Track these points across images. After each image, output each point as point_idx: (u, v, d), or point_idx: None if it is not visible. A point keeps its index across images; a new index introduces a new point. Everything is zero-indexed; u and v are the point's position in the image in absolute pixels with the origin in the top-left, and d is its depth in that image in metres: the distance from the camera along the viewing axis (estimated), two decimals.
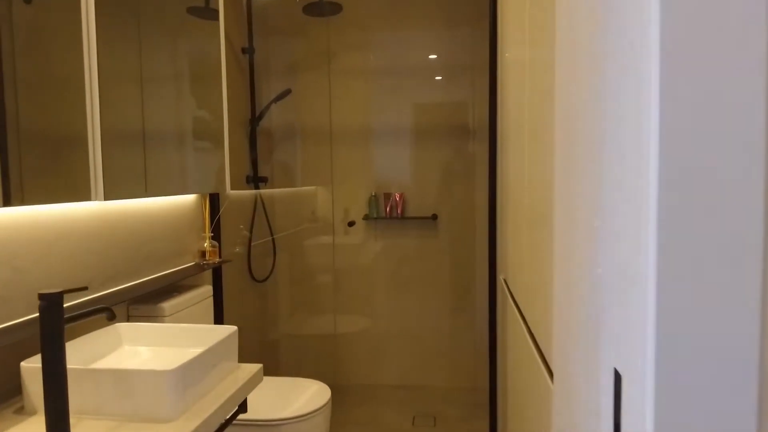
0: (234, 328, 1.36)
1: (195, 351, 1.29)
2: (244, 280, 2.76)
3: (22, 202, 1.21)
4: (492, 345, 2.29)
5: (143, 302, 1.75)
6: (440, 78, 2.99)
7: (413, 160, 3.06)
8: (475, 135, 2.99)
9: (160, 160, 1.76)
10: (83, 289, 1.00)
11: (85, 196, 1.37)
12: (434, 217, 3.07)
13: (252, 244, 2.82)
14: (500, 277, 2.12)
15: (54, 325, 0.96)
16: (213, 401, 1.16)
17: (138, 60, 1.64)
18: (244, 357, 2.76)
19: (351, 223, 3.10)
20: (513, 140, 1.70)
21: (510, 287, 1.83)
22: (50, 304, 0.96)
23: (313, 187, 3.13)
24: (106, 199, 1.41)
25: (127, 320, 1.74)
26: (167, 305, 1.74)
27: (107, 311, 1.12)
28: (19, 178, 1.19)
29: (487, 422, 2.33)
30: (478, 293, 3.05)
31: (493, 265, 2.24)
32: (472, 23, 2.93)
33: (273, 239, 3.05)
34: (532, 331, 1.25)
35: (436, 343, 3.12)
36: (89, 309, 1.08)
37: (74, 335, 1.43)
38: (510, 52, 1.70)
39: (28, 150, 1.21)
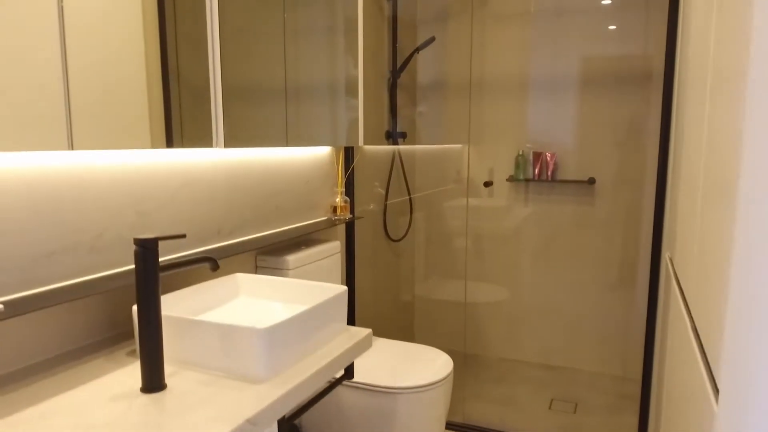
0: (343, 288, 1.27)
1: (299, 309, 1.23)
2: (379, 238, 2.70)
3: (182, 145, 1.26)
4: (649, 331, 1.95)
5: (270, 254, 1.75)
6: (610, 22, 2.57)
7: (569, 116, 2.71)
8: (645, 88, 2.54)
9: (291, 111, 1.72)
10: (181, 236, 0.96)
11: (207, 143, 1.36)
12: (591, 181, 2.70)
13: (387, 202, 2.74)
14: (665, 255, 1.77)
15: (148, 271, 0.93)
16: (312, 364, 1.08)
17: (281, 11, 1.59)
18: (376, 317, 2.75)
19: (488, 183, 2.86)
20: (692, 91, 1.35)
21: (675, 268, 1.50)
22: (145, 250, 0.93)
23: (459, 145, 2.94)
24: (225, 147, 1.38)
25: (255, 270, 1.75)
26: (292, 258, 1.72)
27: (210, 261, 1.09)
28: (179, 124, 1.23)
29: (636, 417, 2.02)
30: (639, 271, 2.65)
31: (657, 241, 1.88)
32: None
33: (410, 198, 2.95)
34: (697, 327, 0.97)
35: (584, 322, 2.80)
36: (189, 258, 1.05)
37: (196, 281, 1.46)
38: None
39: (185, 101, 1.21)
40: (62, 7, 0.97)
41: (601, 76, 2.61)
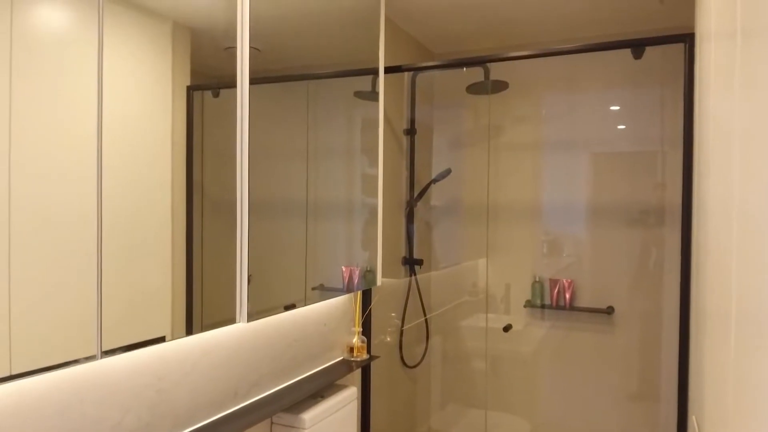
0: None
1: None
2: (395, 367, 2.65)
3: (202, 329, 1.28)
4: None
5: (287, 410, 1.71)
6: (623, 151, 2.64)
7: (586, 244, 2.72)
8: (664, 219, 2.56)
9: (322, 249, 1.74)
10: None
11: (231, 319, 1.37)
12: (610, 310, 2.67)
13: (404, 329, 2.71)
14: (691, 418, 1.70)
15: None
16: None
17: (305, 146, 1.66)
18: None
19: (507, 328, 2.83)
20: (716, 230, 1.35)
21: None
22: None
23: (473, 261, 2.95)
24: (249, 321, 1.39)
25: (270, 428, 1.71)
26: (308, 416, 1.68)
27: None
28: (200, 307, 1.24)
29: None
30: (662, 413, 2.55)
31: (683, 397, 1.82)
32: (661, 84, 2.55)
33: (426, 320, 2.92)
34: None
35: None
36: None
37: None
38: (715, 120, 1.37)
39: (207, 283, 1.23)
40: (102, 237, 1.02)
41: (612, 205, 2.65)
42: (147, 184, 1.13)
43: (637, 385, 2.61)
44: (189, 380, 1.37)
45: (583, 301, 2.73)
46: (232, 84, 1.38)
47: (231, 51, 1.39)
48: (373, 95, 2.19)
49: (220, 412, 1.47)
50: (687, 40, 1.76)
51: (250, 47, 1.42)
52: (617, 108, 2.63)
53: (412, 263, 2.76)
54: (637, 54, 1.79)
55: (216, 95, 1.37)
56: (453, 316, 2.98)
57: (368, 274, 2.15)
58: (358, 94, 2.08)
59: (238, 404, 1.54)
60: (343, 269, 1.93)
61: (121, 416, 1.18)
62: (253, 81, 1.44)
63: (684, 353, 1.82)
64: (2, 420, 0.96)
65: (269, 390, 1.68)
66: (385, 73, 2.19)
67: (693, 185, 1.81)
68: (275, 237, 1.53)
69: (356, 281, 2.01)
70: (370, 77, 2.14)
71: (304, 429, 1.66)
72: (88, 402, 1.11)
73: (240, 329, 1.53)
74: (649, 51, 2.49)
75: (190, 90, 1.27)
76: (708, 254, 1.35)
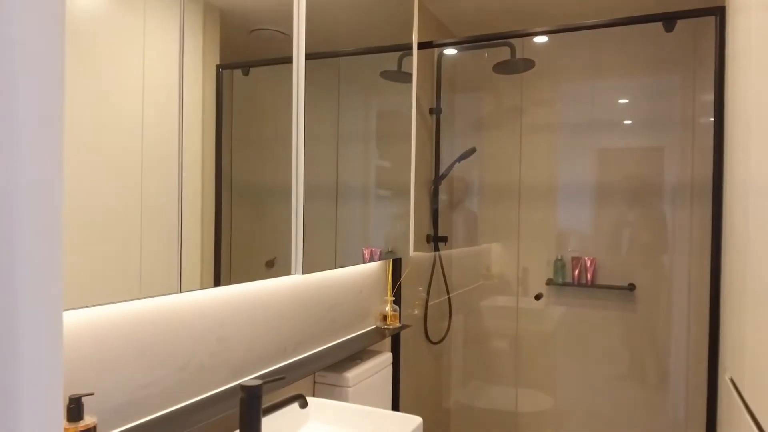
0: (418, 420, 1.27)
1: None
2: (420, 342, 2.70)
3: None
4: None
5: (329, 369, 1.76)
6: (645, 132, 2.69)
7: (608, 222, 2.77)
8: (688, 196, 2.61)
9: (349, 226, 1.79)
10: (281, 379, 0.99)
11: (285, 271, 1.42)
12: (631, 287, 2.72)
13: (429, 304, 2.76)
14: (725, 376, 1.75)
15: (252, 417, 0.95)
16: None
17: (335, 126, 1.70)
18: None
19: (538, 296, 2.89)
20: (752, 202, 1.40)
21: (742, 392, 1.48)
22: (250, 396, 0.96)
23: (488, 245, 3.00)
24: (304, 273, 1.44)
25: (313, 386, 1.76)
26: (351, 375, 1.73)
27: (300, 399, 1.11)
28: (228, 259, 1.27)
29: None
30: (686, 385, 2.60)
31: (714, 359, 1.87)
32: (686, 66, 2.60)
33: (449, 298, 2.96)
34: None
35: None
36: (285, 398, 1.07)
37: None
38: (746, 95, 1.42)
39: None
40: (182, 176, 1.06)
41: (633, 182, 2.69)
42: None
43: (660, 359, 2.66)
44: (246, 330, 1.41)
45: (604, 279, 2.78)
46: (260, 64, 1.39)
47: (257, 33, 1.42)
48: (399, 75, 2.23)
49: (271, 365, 1.52)
50: (718, 13, 1.81)
51: (274, 31, 1.43)
52: (639, 89, 2.68)
53: (436, 240, 2.81)
54: (669, 27, 1.83)
55: (246, 74, 1.40)
56: (476, 295, 3.03)
57: (388, 255, 2.19)
58: (385, 74, 2.13)
59: (288, 359, 1.59)
60: (364, 251, 1.97)
61: (186, 359, 1.23)
62: (285, 60, 1.46)
63: (715, 318, 1.87)
64: (92, 341, 1.01)
65: (313, 350, 1.73)
66: (418, 49, 2.23)
67: (724, 163, 1.86)
68: (308, 216, 1.58)
69: (377, 259, 2.04)
70: (395, 58, 2.19)
71: (348, 386, 1.71)
72: (159, 341, 1.15)
73: (291, 286, 1.58)
74: (670, 35, 2.54)
75: (220, 69, 1.30)
76: (749, 227, 1.40)
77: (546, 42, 2.85)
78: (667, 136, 2.64)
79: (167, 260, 1.04)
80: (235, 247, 1.27)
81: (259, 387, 0.95)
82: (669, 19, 1.91)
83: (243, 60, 1.33)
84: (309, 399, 1.42)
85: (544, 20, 2.83)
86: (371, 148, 1.94)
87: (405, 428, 1.26)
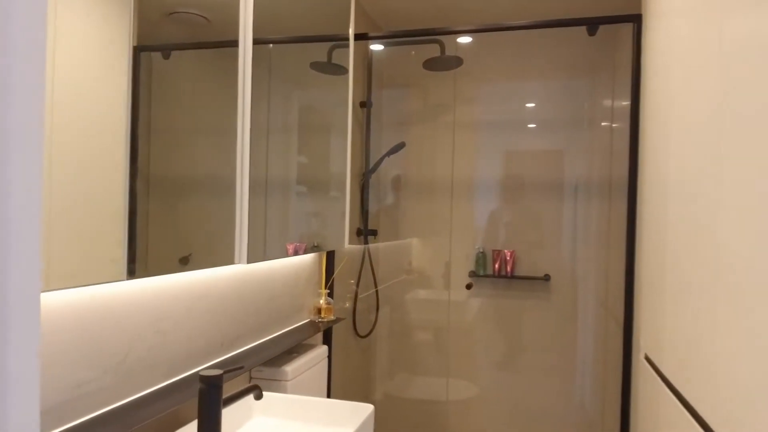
0: (370, 407, 1.26)
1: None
2: (348, 335, 2.69)
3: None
4: (624, 427, 2.05)
5: (266, 364, 1.70)
6: (563, 131, 2.85)
7: (527, 216, 2.91)
8: (606, 192, 2.81)
9: (276, 219, 1.74)
10: (240, 368, 0.94)
11: (228, 260, 1.35)
12: (547, 277, 2.88)
13: (357, 297, 2.75)
14: (640, 355, 1.90)
15: (213, 407, 0.90)
16: None
17: (266, 116, 1.64)
18: None
19: (469, 286, 2.97)
20: (661, 199, 1.53)
21: (659, 367, 1.62)
22: (210, 386, 0.90)
23: (413, 238, 3.05)
24: (248, 262, 1.38)
25: (249, 381, 1.69)
26: (290, 369, 1.68)
27: (256, 390, 1.06)
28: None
29: None
30: (604, 367, 2.80)
31: (628, 340, 2.02)
32: (596, 73, 2.79)
33: (377, 292, 2.98)
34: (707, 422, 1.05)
35: (547, 420, 2.87)
36: (241, 389, 1.02)
37: None
38: (659, 98, 1.55)
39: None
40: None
41: (548, 179, 2.86)
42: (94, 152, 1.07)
43: (573, 342, 2.84)
44: (185, 324, 1.33)
45: (522, 270, 2.92)
46: (187, 47, 1.29)
47: (176, 17, 1.32)
48: (330, 67, 2.21)
49: (208, 360, 1.44)
50: (635, 20, 1.96)
51: (195, 15, 1.35)
52: (557, 90, 2.84)
53: (366, 234, 2.81)
54: (592, 31, 1.96)
55: (166, 57, 1.29)
56: (402, 288, 3.07)
57: (314, 249, 2.17)
58: (315, 66, 2.09)
59: (225, 354, 1.52)
60: (288, 246, 1.92)
61: (124, 354, 1.14)
62: (202, 45, 1.38)
63: (629, 303, 2.03)
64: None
65: (250, 344, 1.66)
66: (355, 40, 2.22)
67: (638, 162, 2.02)
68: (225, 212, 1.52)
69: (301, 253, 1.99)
70: (324, 49, 2.16)
71: (287, 380, 1.66)
72: (96, 336, 1.06)
73: (228, 279, 1.51)
74: (593, 40, 2.72)
75: (138, 51, 1.19)
76: (668, 223, 1.53)
77: (474, 41, 2.94)
78: (585, 135, 2.82)
79: (80, 251, 0.96)
80: (152, 241, 1.15)
81: (219, 377, 0.90)
82: (590, 24, 2.04)
83: (163, 43, 1.22)
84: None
85: (473, 19, 2.92)
86: (300, 140, 1.89)
87: (358, 417, 1.25)
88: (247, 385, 1.04)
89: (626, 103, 2.51)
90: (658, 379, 1.63)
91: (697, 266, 1.23)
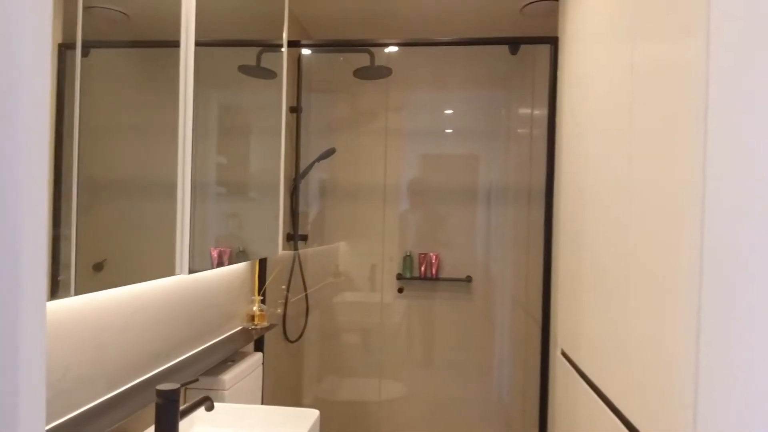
0: (316, 413, 1.30)
1: None
2: (279, 341, 2.69)
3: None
4: (542, 421, 2.21)
5: (203, 373, 1.68)
6: (483, 140, 3.01)
7: (452, 221, 3.05)
8: (526, 197, 3.00)
9: (201, 225, 1.73)
10: (195, 381, 0.95)
11: (168, 270, 1.33)
12: (469, 279, 3.03)
13: (288, 303, 2.76)
14: (557, 351, 2.07)
15: (170, 421, 0.90)
16: None
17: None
18: None
19: (401, 290, 3.06)
20: (578, 203, 1.69)
21: (575, 361, 1.78)
22: (168, 400, 0.90)
23: (340, 243, 3.10)
24: (190, 272, 1.37)
25: (184, 392, 1.66)
26: (227, 377, 1.67)
27: (208, 401, 1.06)
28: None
29: None
30: (524, 363, 2.98)
31: (546, 336, 2.19)
32: (516, 85, 2.98)
33: (306, 296, 2.99)
34: (629, 418, 1.19)
35: (473, 415, 3.02)
36: (194, 401, 1.02)
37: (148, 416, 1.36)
38: (572, 112, 1.71)
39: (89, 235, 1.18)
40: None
41: (471, 185, 3.02)
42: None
43: (495, 340, 3.01)
44: (122, 337, 1.30)
45: (447, 273, 3.06)
46: (99, 45, 1.26)
47: (94, 11, 1.28)
48: (259, 71, 2.21)
49: (147, 373, 1.41)
50: (552, 42, 2.13)
51: (113, 10, 1.32)
52: (481, 99, 3.00)
53: (296, 239, 2.82)
54: (514, 50, 2.10)
55: (85, 55, 1.25)
56: (331, 292, 3.10)
57: (240, 254, 2.16)
58: (243, 69, 2.09)
59: (163, 365, 1.49)
60: (212, 250, 1.90)
61: (64, 369, 1.10)
62: (137, 44, 1.36)
63: (547, 302, 2.19)
64: None
65: (187, 353, 1.64)
66: (288, 47, 2.23)
67: (554, 170, 2.19)
68: (148, 214, 1.51)
69: (226, 263, 1.95)
70: (253, 53, 2.16)
71: (224, 390, 1.65)
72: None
73: (165, 289, 1.48)
74: (507, 59, 2.90)
75: (63, 48, 1.16)
76: (585, 227, 1.68)
77: (404, 51, 3.04)
78: (501, 144, 3.00)
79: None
80: (81, 255, 1.10)
81: (177, 390, 0.90)
82: (511, 44, 2.19)
83: (84, 38, 1.17)
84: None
85: (403, 27, 3.01)
86: (226, 143, 1.86)
87: (306, 422, 1.28)
88: (199, 397, 1.05)
89: (544, 112, 2.71)
90: (574, 371, 1.79)
91: (611, 265, 1.38)
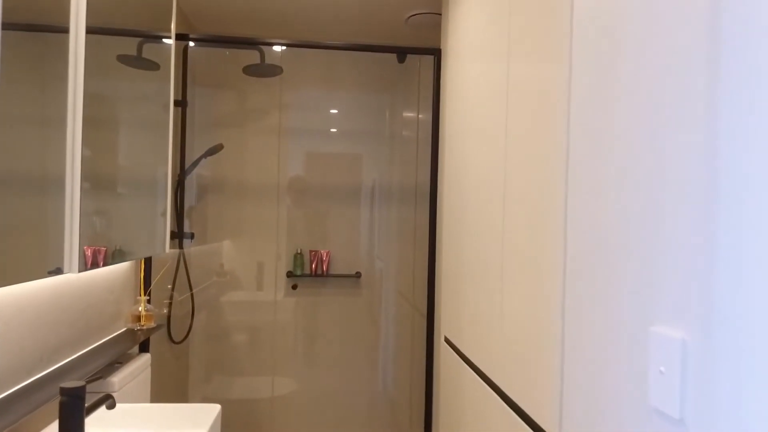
0: (217, 407, 1.31)
1: None
2: (163, 342, 2.60)
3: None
4: (428, 407, 2.38)
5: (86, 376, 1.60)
6: (370, 141, 3.14)
7: (342, 219, 3.14)
8: (413, 196, 3.16)
9: (108, 219, 1.67)
10: (99, 378, 0.94)
11: (45, 271, 1.27)
12: (358, 274, 3.14)
13: (173, 303, 2.67)
14: (441, 338, 2.24)
15: (76, 420, 0.89)
16: None
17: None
18: None
19: (295, 287, 3.08)
20: (460, 201, 1.86)
21: (459, 347, 1.95)
22: (73, 398, 0.89)
23: (221, 242, 3.07)
24: (80, 271, 1.31)
25: None
26: (117, 379, 1.61)
27: (110, 399, 1.05)
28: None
29: None
30: (410, 352, 3.14)
31: (431, 326, 2.36)
32: (401, 89, 3.13)
33: (192, 295, 2.91)
34: (507, 393, 1.36)
35: (362, 406, 3.13)
36: (95, 400, 1.00)
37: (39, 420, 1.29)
38: (462, 115, 1.89)
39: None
40: None
41: (356, 184, 3.13)
42: None
43: (382, 333, 3.15)
44: (4, 340, 1.21)
45: (337, 269, 3.14)
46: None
47: None
48: (140, 62, 2.14)
49: (30, 377, 1.33)
50: (436, 53, 2.30)
51: None
52: (370, 101, 3.12)
53: (181, 237, 2.73)
54: (401, 59, 2.24)
55: None
56: (218, 291, 3.05)
57: (117, 253, 2.09)
58: (122, 59, 2.02)
59: (45, 369, 1.41)
60: (86, 249, 1.82)
61: None
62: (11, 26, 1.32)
63: (431, 294, 2.36)
64: None
65: (70, 356, 1.55)
66: (176, 40, 2.18)
67: (438, 171, 2.36)
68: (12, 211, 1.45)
69: (101, 263, 1.86)
70: (132, 42, 2.09)
71: (114, 392, 1.59)
72: None
73: (47, 287, 1.40)
74: (394, 66, 3.05)
75: None
76: (466, 224, 1.85)
77: (292, 51, 3.06)
78: (385, 145, 3.14)
79: None
80: None
81: (82, 388, 0.88)
82: (398, 53, 2.33)
83: None
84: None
85: (291, 25, 3.03)
86: (96, 137, 1.78)
87: (208, 417, 1.29)
88: (100, 395, 1.02)
89: (429, 117, 2.90)
90: (456, 356, 1.97)
91: (489, 255, 1.55)
